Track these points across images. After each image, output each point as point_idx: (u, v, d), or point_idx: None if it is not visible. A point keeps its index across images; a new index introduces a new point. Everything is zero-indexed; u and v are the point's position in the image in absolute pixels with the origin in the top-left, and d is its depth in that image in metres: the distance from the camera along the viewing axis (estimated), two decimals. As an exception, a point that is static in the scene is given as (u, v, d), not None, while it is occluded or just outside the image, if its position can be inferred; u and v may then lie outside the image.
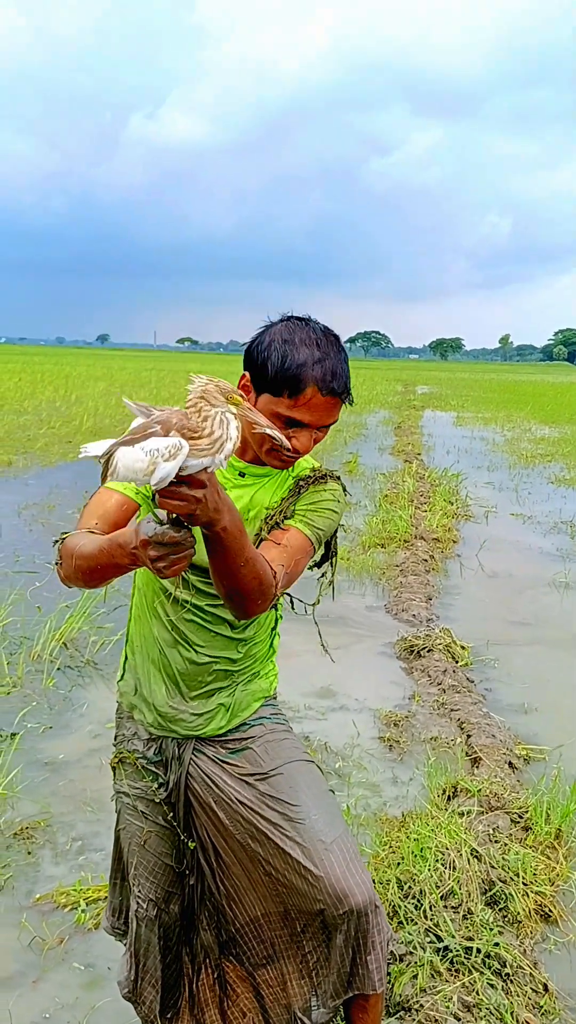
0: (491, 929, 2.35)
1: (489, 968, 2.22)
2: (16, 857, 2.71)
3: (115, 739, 1.79)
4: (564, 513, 9.13)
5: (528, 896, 2.53)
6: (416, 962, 2.23)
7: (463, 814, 2.89)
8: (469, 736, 3.60)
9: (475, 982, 2.18)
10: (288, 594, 1.70)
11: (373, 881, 1.69)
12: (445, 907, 2.42)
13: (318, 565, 1.70)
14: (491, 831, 2.82)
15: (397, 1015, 2.11)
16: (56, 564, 1.48)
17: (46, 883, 2.59)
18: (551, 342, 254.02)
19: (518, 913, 2.46)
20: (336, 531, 1.67)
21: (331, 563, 1.72)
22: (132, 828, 1.73)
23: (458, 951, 2.26)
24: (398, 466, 11.80)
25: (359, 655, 4.54)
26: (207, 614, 1.62)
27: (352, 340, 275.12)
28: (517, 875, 2.59)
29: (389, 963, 2.20)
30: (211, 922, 1.76)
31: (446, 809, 2.97)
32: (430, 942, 2.30)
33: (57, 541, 1.49)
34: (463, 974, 2.21)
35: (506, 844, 2.75)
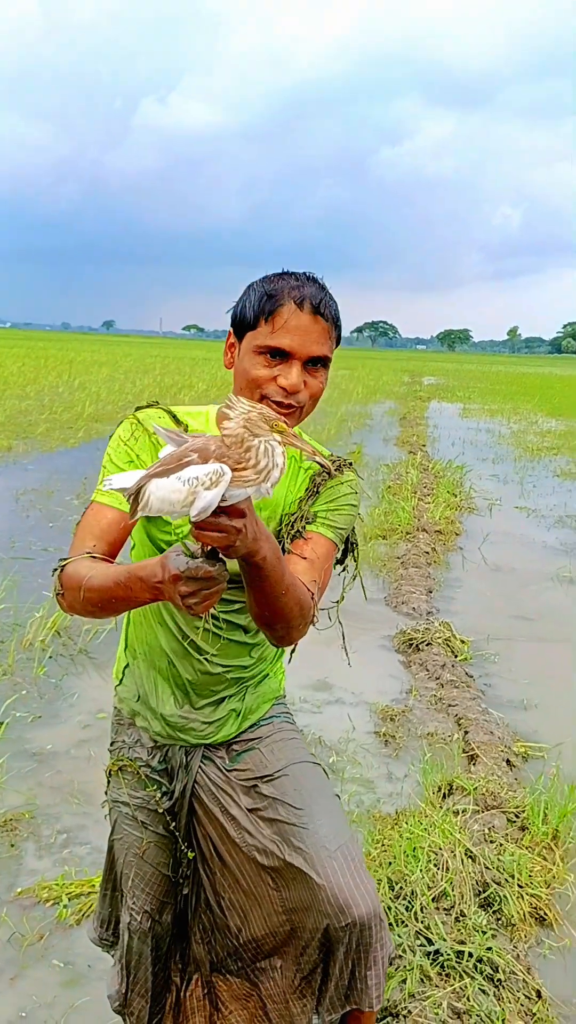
0: (484, 933, 2.28)
1: (481, 973, 2.16)
2: (-1, 849, 2.65)
3: (111, 745, 1.70)
4: (569, 507, 9.03)
5: (523, 899, 2.46)
6: (405, 966, 2.16)
7: (458, 812, 2.82)
8: (467, 732, 3.53)
9: (466, 987, 2.11)
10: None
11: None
12: (437, 909, 2.36)
13: (339, 562, 1.61)
14: (486, 830, 2.75)
15: (384, 1020, 2.04)
16: (57, 594, 1.38)
17: (28, 877, 2.53)
18: (560, 335, 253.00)
19: (512, 916, 2.39)
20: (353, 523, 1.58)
21: (353, 556, 1.61)
22: (130, 839, 1.65)
23: (449, 955, 2.19)
24: (402, 457, 11.70)
25: (357, 648, 4.44)
26: (220, 620, 1.53)
27: (359, 330, 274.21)
28: (512, 876, 2.52)
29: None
30: (204, 937, 1.68)
31: (441, 807, 2.90)
32: (420, 945, 2.24)
33: (56, 569, 1.38)
34: (454, 979, 2.14)
35: (502, 844, 2.68)
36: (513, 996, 2.11)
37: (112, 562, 1.41)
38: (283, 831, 1.53)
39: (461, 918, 2.33)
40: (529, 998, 2.13)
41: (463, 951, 2.20)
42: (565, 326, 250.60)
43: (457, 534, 7.42)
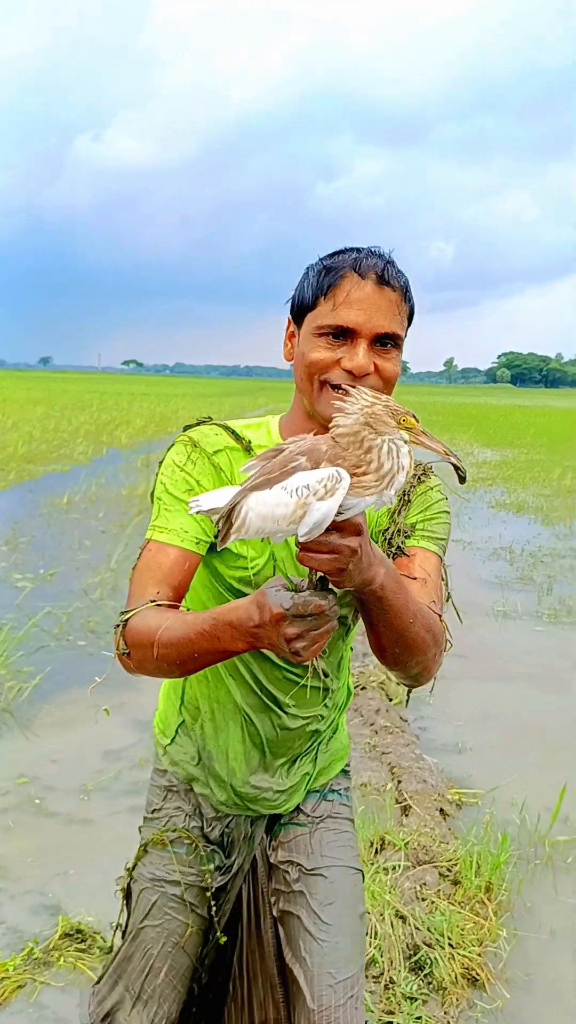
0: (414, 1000, 2.21)
1: (411, 1046, 2.09)
2: None
3: (153, 813, 1.49)
4: (503, 539, 9.15)
5: (455, 959, 2.40)
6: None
7: (388, 871, 2.76)
8: (400, 782, 3.48)
9: (396, 1063, 2.04)
10: None
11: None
12: (366, 978, 2.28)
13: None
14: (418, 887, 2.69)
15: None
16: (122, 654, 1.18)
17: None
18: (494, 365, 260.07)
19: (443, 980, 2.33)
20: None
21: (442, 573, 1.37)
22: (172, 924, 1.44)
23: (378, 1029, 2.12)
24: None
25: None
26: (298, 664, 1.32)
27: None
28: (443, 936, 2.46)
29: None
30: None
31: (373, 864, 2.83)
32: (349, 1019, 2.15)
33: (118, 625, 1.18)
34: (383, 1055, 2.07)
35: (433, 902, 2.62)
36: (444, 1068, 2.05)
37: (178, 608, 1.21)
38: (296, 931, 1.42)
39: (391, 985, 2.26)
40: (461, 1068, 2.07)
41: (392, 1023, 2.13)
42: (499, 356, 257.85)
43: (393, 570, 7.43)
